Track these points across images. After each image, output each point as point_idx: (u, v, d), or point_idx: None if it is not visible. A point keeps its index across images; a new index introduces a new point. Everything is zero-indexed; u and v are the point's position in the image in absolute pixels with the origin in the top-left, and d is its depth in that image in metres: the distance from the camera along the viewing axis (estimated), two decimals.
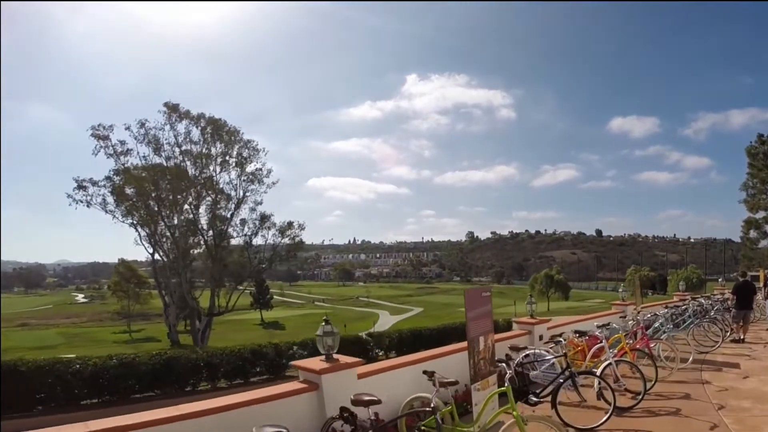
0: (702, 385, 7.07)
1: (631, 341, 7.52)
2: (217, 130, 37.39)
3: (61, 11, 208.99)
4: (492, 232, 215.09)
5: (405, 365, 5.82)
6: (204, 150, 37.41)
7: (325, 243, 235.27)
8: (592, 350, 6.69)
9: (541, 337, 8.33)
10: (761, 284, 13.25)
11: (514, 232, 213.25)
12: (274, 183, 39.30)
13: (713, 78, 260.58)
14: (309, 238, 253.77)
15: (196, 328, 38.02)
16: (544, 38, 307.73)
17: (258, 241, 40.77)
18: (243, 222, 39.59)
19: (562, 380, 5.52)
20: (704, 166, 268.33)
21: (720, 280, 20.19)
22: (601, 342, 7.14)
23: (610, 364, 5.96)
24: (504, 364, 5.60)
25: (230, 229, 39.63)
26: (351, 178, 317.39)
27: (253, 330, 74.80)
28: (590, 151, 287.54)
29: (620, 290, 11.31)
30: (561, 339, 6.98)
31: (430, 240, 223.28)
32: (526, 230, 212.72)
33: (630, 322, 7.88)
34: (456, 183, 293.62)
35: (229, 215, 39.07)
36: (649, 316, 8.90)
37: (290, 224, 40.39)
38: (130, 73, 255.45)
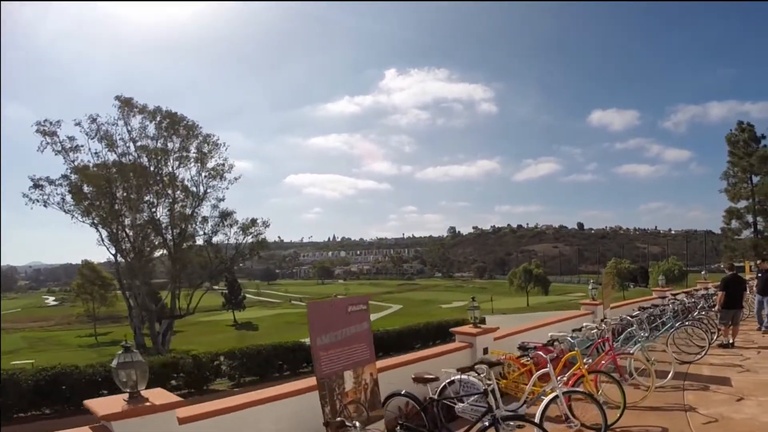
0: (684, 413, 5.48)
1: (591, 360, 5.87)
2: (173, 124, 36.39)
3: (30, 11, 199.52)
4: (474, 227, 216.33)
5: (268, 401, 4.05)
6: (160, 145, 36.47)
7: (305, 240, 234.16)
8: (537, 374, 4.98)
9: (485, 351, 6.65)
10: (751, 276, 11.95)
11: (496, 226, 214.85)
12: (236, 178, 38.52)
13: (692, 71, 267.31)
14: (288, 235, 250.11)
15: (156, 331, 36.90)
16: (525, 32, 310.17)
17: (220, 239, 39.92)
18: (204, 220, 38.83)
19: (487, 423, 3.81)
20: (684, 159, 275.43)
21: (703, 272, 19.20)
22: (555, 355, 5.51)
23: (556, 397, 4.28)
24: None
25: (190, 228, 38.78)
26: (330, 174, 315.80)
27: (225, 331, 72.86)
28: (571, 144, 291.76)
29: (590, 287, 9.76)
30: (493, 358, 5.29)
31: (411, 236, 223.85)
32: (508, 225, 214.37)
33: (593, 331, 6.26)
34: (438, 178, 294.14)
35: (189, 213, 38.25)
36: (620, 320, 7.28)
37: (253, 221, 39.44)
38: (103, 71, 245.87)
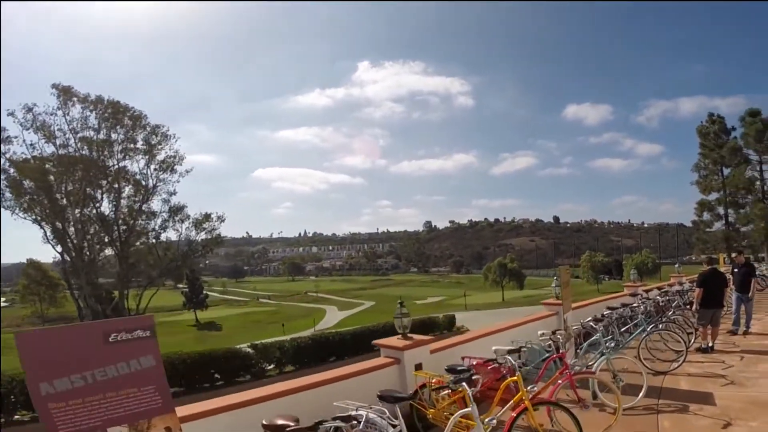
0: None
1: (541, 383, 4.66)
2: (117, 114, 35.25)
3: None
4: (450, 221, 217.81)
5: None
6: (103, 136, 35.34)
7: (274, 236, 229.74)
8: (459, 413, 3.67)
9: (419, 367, 5.37)
10: (726, 269, 11.17)
11: (473, 220, 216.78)
12: (187, 171, 37.76)
13: (664, 67, 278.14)
14: (257, 231, 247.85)
15: None
16: (502, 27, 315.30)
17: (172, 235, 39.34)
18: (152, 215, 37.98)
19: None
20: (656, 153, 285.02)
21: (677, 266, 18.70)
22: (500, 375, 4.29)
23: None
24: None
25: (139, 224, 37.68)
26: (301, 168, 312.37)
27: (185, 332, 70.75)
28: (547, 138, 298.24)
29: (553, 284, 8.67)
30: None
31: (385, 231, 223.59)
32: (485, 219, 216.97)
33: (548, 342, 5.08)
34: (413, 172, 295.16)
35: (137, 207, 37.19)
36: (582, 327, 6.12)
37: (207, 216, 38.62)
38: (62, 64, 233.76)
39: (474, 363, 5.04)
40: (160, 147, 36.50)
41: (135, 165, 36.63)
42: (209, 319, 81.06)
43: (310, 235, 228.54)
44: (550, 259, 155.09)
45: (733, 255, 9.77)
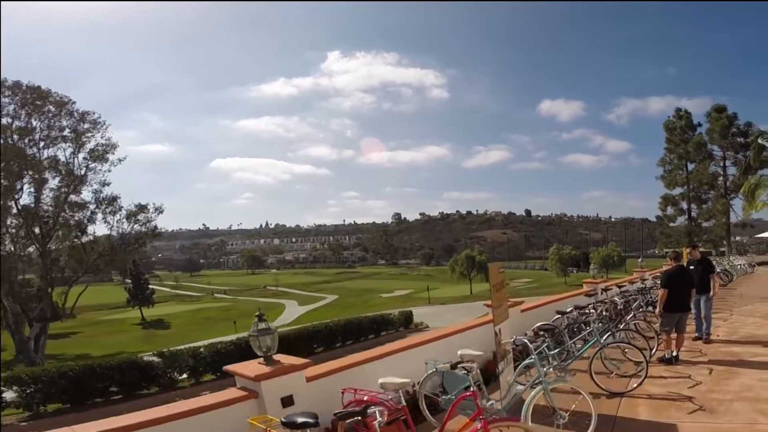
0: None
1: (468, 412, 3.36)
2: (37, 99, 33.45)
3: None
4: (421, 213, 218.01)
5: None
6: (21, 123, 33.51)
7: (233, 228, 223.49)
8: None
9: (287, 402, 3.95)
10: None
11: (445, 212, 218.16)
12: (120, 160, 36.61)
13: (636, 65, 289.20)
14: (214, 223, 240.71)
15: (25, 337, 33.99)
16: (479, 21, 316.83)
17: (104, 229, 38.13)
18: (77, 206, 36.33)
19: None
20: (624, 150, 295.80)
21: (640, 260, 18.32)
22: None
23: None
24: None
25: (63, 217, 35.77)
26: (263, 158, 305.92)
27: (130, 331, 67.88)
28: (521, 132, 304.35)
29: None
30: None
31: (352, 222, 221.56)
32: (457, 211, 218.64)
33: (473, 366, 3.80)
34: (383, 163, 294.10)
35: (63, 199, 35.46)
36: (514, 343, 4.84)
37: (142, 207, 37.39)
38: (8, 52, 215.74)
39: (359, 399, 3.68)
40: (89, 135, 35.03)
41: (61, 154, 35.07)
42: (157, 317, 77.91)
43: (272, 226, 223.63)
44: (521, 251, 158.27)
45: (688, 250, 9.05)
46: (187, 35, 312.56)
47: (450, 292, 69.14)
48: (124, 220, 36.73)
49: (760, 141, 33.19)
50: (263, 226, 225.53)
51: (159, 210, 37.98)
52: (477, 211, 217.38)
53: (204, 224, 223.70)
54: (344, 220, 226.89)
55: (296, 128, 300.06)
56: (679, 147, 40.35)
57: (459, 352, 4.30)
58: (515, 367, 4.84)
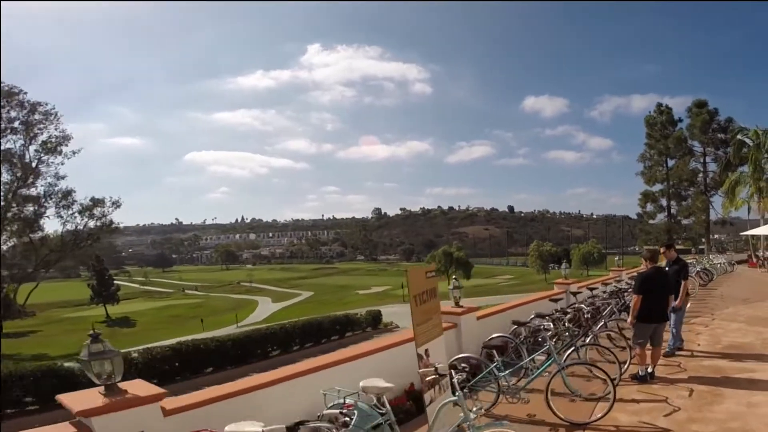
0: None
1: None
2: None
3: None
4: (402, 209, 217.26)
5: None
6: None
7: (207, 222, 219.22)
8: None
9: None
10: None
11: (426, 208, 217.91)
12: (74, 152, 35.86)
13: (619, 64, 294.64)
14: (187, 217, 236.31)
15: None
16: (464, 16, 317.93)
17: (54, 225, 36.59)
18: (31, 200, 35.52)
19: None
20: (607, 147, 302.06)
21: (617, 258, 17.72)
22: None
23: None
24: None
25: (12, 211, 34.62)
26: (239, 152, 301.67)
27: (92, 329, 65.19)
28: (504, 128, 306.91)
29: (451, 285, 6.50)
30: None
31: (331, 217, 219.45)
32: (439, 206, 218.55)
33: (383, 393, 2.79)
34: (363, 158, 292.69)
35: (13, 193, 34.56)
36: (439, 372, 3.76)
37: (97, 201, 36.64)
38: None
39: None
40: (42, 126, 34.43)
41: (10, 146, 34.31)
42: (123, 315, 75.43)
43: (248, 221, 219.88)
44: (503, 247, 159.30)
45: (662, 249, 7.77)
46: (161, 26, 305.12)
47: None
48: (77, 214, 35.85)
49: (740, 137, 33.46)
50: (239, 220, 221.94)
51: (116, 204, 37.17)
52: (459, 206, 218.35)
53: (177, 219, 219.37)
54: (323, 215, 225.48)
55: (274, 121, 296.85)
56: (659, 143, 40.33)
57: (361, 384, 3.24)
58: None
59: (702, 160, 39.14)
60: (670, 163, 40.69)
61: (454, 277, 9.68)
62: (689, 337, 8.31)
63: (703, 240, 38.64)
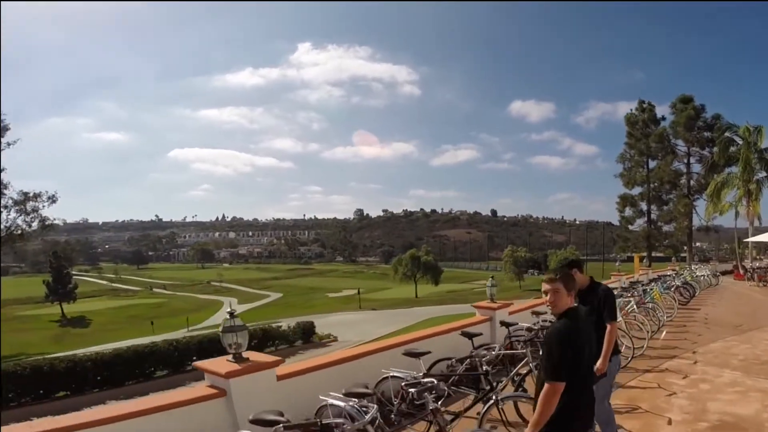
0: None
1: None
2: None
3: None
4: (384, 210, 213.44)
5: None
6: None
7: (187, 220, 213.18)
8: None
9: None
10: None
11: (408, 210, 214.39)
12: (9, 144, 32.17)
13: (607, 70, 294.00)
14: (168, 214, 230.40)
15: None
16: (455, 19, 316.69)
17: None
18: None
19: None
20: (592, 153, 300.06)
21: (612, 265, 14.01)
22: None
23: None
24: None
25: None
26: (223, 149, 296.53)
27: (45, 329, 61.54)
28: (491, 132, 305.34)
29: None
30: None
31: (313, 217, 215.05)
32: (421, 209, 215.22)
33: None
34: (348, 158, 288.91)
35: None
36: None
37: (29, 196, 33.03)
38: None
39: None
40: None
41: None
42: (79, 314, 70.92)
43: (229, 219, 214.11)
44: (485, 252, 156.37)
45: (574, 271, 3.70)
46: (152, 23, 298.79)
47: (404, 293, 64.39)
48: (2, 209, 31.92)
49: (727, 134, 29.91)
50: (219, 219, 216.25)
51: (52, 199, 33.73)
52: (442, 209, 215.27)
53: (156, 215, 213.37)
54: (304, 215, 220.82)
55: (260, 120, 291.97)
56: (640, 142, 36.69)
57: None
58: None
59: (686, 161, 35.43)
60: (652, 164, 37.18)
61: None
62: (655, 403, 4.67)
63: (685, 248, 34.97)
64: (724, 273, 26.35)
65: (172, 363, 15.62)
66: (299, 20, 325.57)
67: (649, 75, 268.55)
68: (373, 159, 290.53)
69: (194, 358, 16.81)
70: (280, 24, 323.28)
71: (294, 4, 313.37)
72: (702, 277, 19.72)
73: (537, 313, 6.64)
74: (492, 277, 8.02)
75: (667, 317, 10.13)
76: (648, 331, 7.76)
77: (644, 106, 37.95)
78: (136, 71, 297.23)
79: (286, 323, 35.94)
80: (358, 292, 53.14)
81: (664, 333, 8.67)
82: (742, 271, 25.33)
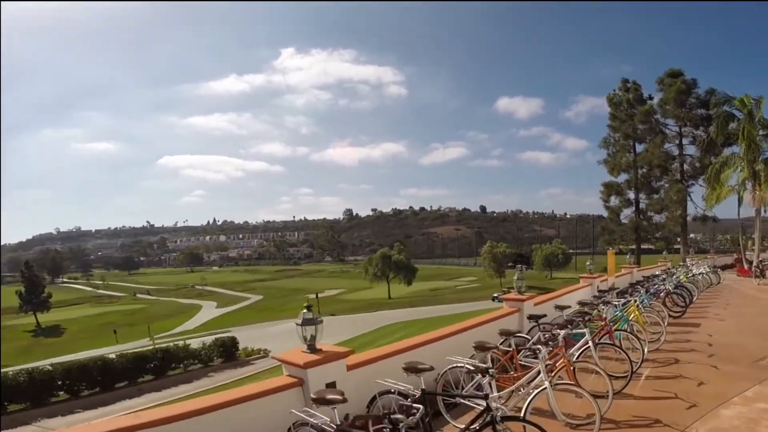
0: None
1: None
2: None
3: None
4: (373, 210, 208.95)
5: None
6: None
7: (178, 225, 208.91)
8: None
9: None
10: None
11: (397, 209, 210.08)
12: None
13: (596, 64, 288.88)
14: (161, 220, 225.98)
15: None
16: (439, 18, 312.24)
17: None
18: None
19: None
20: (582, 148, 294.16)
21: (588, 263, 9.69)
22: None
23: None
24: None
25: None
26: (214, 155, 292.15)
27: (15, 340, 57.99)
28: (479, 129, 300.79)
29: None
30: None
31: (302, 219, 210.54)
32: (410, 207, 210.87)
33: None
34: (337, 160, 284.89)
35: None
36: None
37: None
38: None
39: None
40: None
41: None
42: (55, 323, 66.68)
43: (219, 223, 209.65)
44: (473, 248, 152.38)
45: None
46: (135, 32, 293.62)
47: (382, 293, 60.06)
48: None
49: (726, 108, 25.59)
50: (210, 223, 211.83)
51: None
52: (431, 207, 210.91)
53: (148, 221, 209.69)
54: (294, 217, 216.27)
55: (248, 125, 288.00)
56: (625, 124, 32.26)
57: None
58: None
59: (678, 142, 30.91)
60: (639, 149, 32.79)
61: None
62: None
63: (678, 240, 30.54)
64: (724, 268, 22.12)
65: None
66: (280, 26, 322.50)
67: (638, 68, 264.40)
68: (363, 160, 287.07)
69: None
70: (262, 30, 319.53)
71: (274, 11, 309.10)
72: (700, 276, 15.32)
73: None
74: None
75: (649, 347, 6.32)
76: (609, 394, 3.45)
77: (628, 85, 33.52)
78: (122, 81, 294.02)
79: (239, 333, 31.64)
80: (317, 296, 48.32)
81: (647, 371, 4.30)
82: (746, 266, 21.09)
